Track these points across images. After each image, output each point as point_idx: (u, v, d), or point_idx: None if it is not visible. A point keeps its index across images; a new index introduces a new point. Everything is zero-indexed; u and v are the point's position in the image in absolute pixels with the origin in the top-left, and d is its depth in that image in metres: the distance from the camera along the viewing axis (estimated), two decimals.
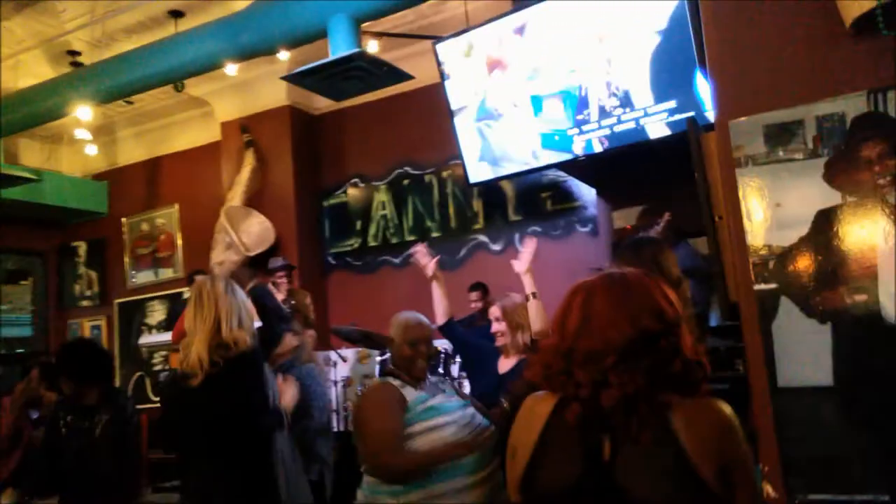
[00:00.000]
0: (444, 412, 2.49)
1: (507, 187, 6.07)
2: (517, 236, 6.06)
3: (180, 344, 2.72)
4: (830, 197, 1.16)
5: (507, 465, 1.59)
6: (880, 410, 1.11)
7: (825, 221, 1.16)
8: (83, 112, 5.75)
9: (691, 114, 3.78)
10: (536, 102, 4.66)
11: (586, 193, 5.70)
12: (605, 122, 4.39)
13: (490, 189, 6.06)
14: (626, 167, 4.55)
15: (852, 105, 1.15)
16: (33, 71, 6.18)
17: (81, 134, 6.62)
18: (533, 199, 6.00)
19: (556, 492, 1.43)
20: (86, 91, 5.59)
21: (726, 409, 1.36)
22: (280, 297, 5.14)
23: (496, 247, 6.15)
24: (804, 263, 1.16)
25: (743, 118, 1.21)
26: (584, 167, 4.85)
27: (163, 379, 6.88)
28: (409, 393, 2.52)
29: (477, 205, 6.26)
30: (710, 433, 1.33)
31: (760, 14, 1.21)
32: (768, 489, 1.17)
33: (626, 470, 1.34)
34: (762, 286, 1.19)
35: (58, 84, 5.80)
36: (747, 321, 1.19)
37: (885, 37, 1.13)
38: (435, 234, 6.40)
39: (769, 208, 1.19)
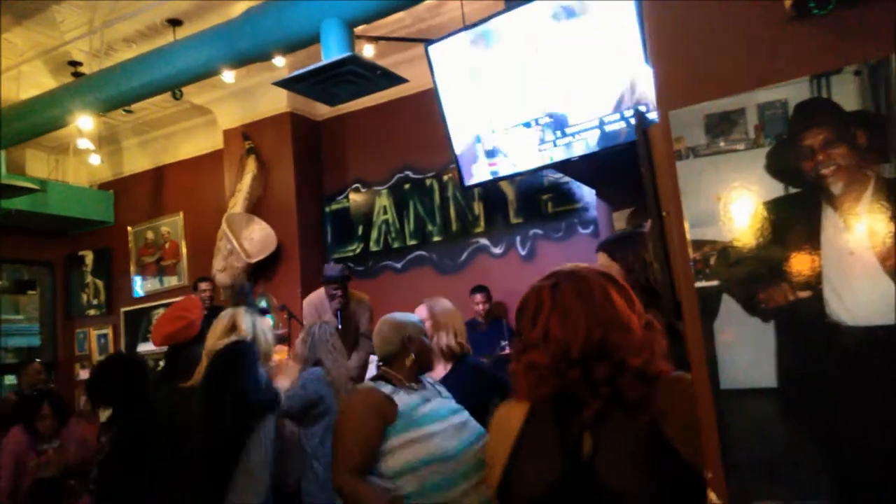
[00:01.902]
0: (436, 419, 2.37)
1: (508, 190, 6.02)
2: (518, 239, 6.01)
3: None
4: (773, 189, 1.11)
5: (486, 473, 1.58)
6: (824, 413, 1.05)
7: (768, 214, 1.10)
8: (84, 121, 5.79)
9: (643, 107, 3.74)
10: (530, 103, 4.60)
11: (587, 195, 5.64)
12: (599, 122, 4.32)
13: (491, 192, 6.02)
14: (622, 168, 4.47)
15: (795, 91, 1.10)
16: (35, 82, 6.23)
17: (84, 144, 6.65)
18: (534, 202, 5.94)
19: (536, 494, 1.40)
20: (87, 100, 5.63)
21: (688, 377, 1.35)
22: (332, 309, 4.86)
23: (497, 250, 6.10)
24: (746, 259, 1.11)
25: (683, 108, 1.16)
26: (581, 168, 4.78)
27: None
28: (402, 398, 2.39)
29: (478, 208, 6.21)
30: (683, 404, 1.29)
31: None
32: (712, 496, 1.11)
33: (607, 463, 1.33)
34: (703, 283, 1.13)
35: (59, 94, 5.85)
36: (688, 320, 1.14)
37: (827, 19, 1.08)
38: (436, 238, 6.36)
39: (710, 202, 1.14)
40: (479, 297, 5.68)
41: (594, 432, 1.35)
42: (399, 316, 2.61)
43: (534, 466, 1.42)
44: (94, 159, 7.09)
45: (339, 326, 4.72)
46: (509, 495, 1.46)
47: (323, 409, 3.22)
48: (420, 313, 2.91)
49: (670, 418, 1.30)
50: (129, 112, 6.86)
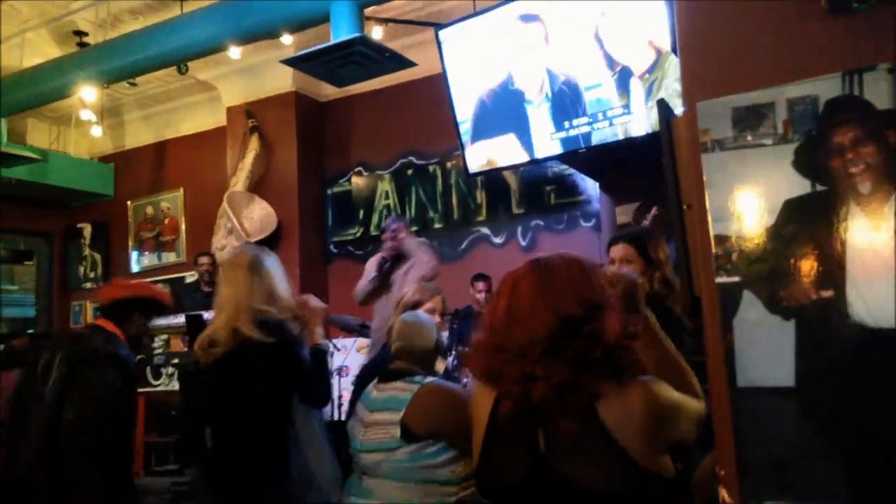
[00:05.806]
0: None
1: (511, 179, 5.99)
2: (519, 229, 5.99)
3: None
4: (800, 185, 1.09)
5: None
6: (842, 414, 1.03)
7: (793, 211, 1.09)
8: (88, 93, 5.74)
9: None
10: (540, 93, 4.58)
11: (590, 188, 5.62)
12: (609, 114, 4.30)
13: (493, 181, 5.99)
14: (631, 161, 4.45)
15: (826, 87, 1.08)
16: (39, 50, 6.17)
17: (87, 115, 6.62)
18: (537, 193, 5.92)
19: (508, 485, 1.43)
20: (91, 71, 5.57)
21: (656, 391, 1.32)
22: (378, 255, 4.66)
23: (498, 240, 6.08)
24: (769, 256, 1.09)
25: (710, 100, 1.14)
26: (588, 160, 4.76)
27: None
28: None
29: (480, 196, 6.18)
30: (639, 419, 1.29)
31: None
32: (724, 495, 1.10)
33: (561, 459, 1.33)
34: (724, 279, 1.12)
35: (62, 64, 5.79)
36: (708, 316, 1.12)
37: (862, 15, 1.06)
38: (437, 226, 6.34)
39: (735, 196, 1.12)
40: (480, 285, 5.67)
41: (546, 430, 1.36)
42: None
43: (504, 460, 1.44)
44: (96, 131, 7.05)
45: (375, 275, 4.54)
46: (486, 483, 1.50)
47: None
48: (433, 308, 2.82)
49: (619, 424, 1.29)
50: (133, 85, 6.80)
